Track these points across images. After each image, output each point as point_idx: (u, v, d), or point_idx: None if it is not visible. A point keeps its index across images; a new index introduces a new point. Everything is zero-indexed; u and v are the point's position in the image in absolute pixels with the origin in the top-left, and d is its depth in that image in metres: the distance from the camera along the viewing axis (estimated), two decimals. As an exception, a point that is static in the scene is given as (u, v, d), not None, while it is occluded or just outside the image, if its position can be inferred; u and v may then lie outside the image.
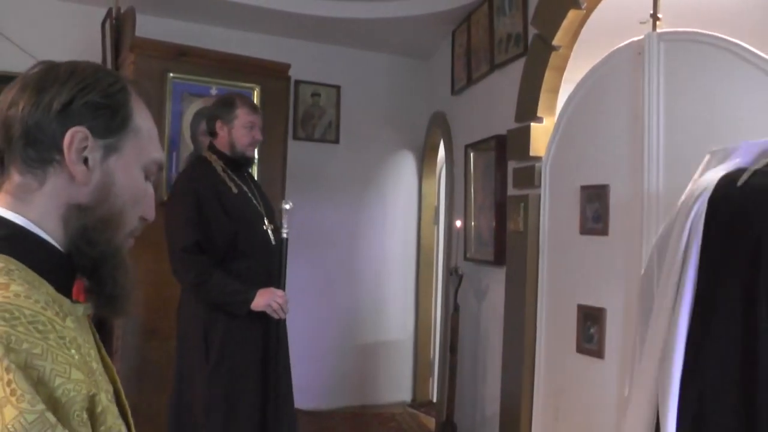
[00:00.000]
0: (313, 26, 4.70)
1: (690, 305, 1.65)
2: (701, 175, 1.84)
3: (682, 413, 1.61)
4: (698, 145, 2.35)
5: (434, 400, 5.09)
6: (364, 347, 5.22)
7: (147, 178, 0.96)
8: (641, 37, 2.61)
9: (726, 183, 1.63)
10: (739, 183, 1.56)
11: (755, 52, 2.24)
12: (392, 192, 5.38)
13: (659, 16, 2.63)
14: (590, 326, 2.84)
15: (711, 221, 1.63)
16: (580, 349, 2.87)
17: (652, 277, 1.96)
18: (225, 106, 2.86)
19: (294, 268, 3.01)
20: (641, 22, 2.67)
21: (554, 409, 3.02)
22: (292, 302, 2.84)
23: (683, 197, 1.81)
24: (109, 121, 0.88)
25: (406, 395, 5.41)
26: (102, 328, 1.25)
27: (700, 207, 1.65)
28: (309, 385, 4.54)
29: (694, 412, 1.58)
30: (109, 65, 3.75)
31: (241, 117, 2.81)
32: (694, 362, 1.61)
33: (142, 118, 0.93)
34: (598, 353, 2.77)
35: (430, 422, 4.82)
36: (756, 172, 1.58)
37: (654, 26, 2.62)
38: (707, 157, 1.88)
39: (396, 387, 5.37)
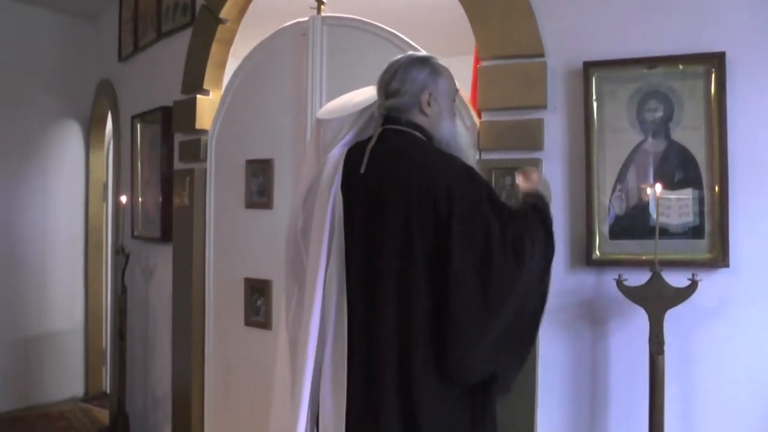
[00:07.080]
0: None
1: (337, 292, 1.70)
2: (317, 148, 1.92)
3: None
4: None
5: (108, 391, 4.78)
6: (27, 341, 4.67)
7: None
8: (307, 18, 2.69)
9: (351, 170, 1.76)
10: (362, 170, 1.73)
11: (406, 40, 2.46)
12: (55, 166, 4.86)
13: (324, 1, 2.73)
14: (257, 299, 2.89)
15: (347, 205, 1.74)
16: (248, 322, 2.91)
17: (299, 259, 1.92)
18: None
19: None
20: (312, 7, 2.74)
21: (225, 383, 3.03)
22: None
23: (312, 179, 1.86)
24: None
25: (78, 389, 5.00)
26: None
27: (336, 192, 1.75)
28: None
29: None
30: None
31: None
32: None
33: None
34: (265, 324, 2.85)
35: (104, 415, 4.51)
36: (371, 151, 1.75)
37: (319, 10, 2.72)
38: (315, 125, 1.98)
39: (66, 381, 4.92)
